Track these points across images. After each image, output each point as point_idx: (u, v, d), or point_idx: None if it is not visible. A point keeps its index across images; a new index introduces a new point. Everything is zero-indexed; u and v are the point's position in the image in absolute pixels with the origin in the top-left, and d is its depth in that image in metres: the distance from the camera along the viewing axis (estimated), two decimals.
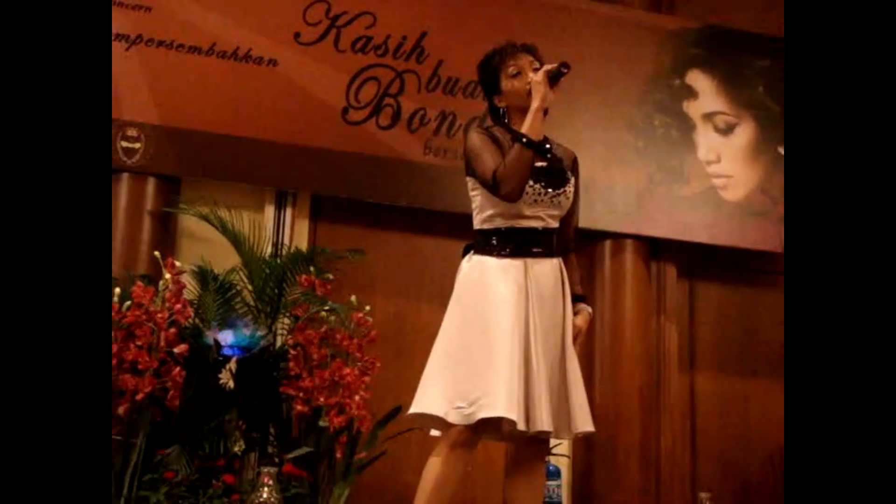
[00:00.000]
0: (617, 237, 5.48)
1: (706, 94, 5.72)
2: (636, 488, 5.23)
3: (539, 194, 2.86)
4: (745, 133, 5.74)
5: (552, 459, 4.67)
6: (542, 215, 2.89)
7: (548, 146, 2.96)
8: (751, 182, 5.68)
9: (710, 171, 5.65)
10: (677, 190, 5.56)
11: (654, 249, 5.63)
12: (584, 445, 5.26)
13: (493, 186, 2.80)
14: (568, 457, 5.23)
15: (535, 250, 2.87)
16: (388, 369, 4.45)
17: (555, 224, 2.93)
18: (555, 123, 3.13)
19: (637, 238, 5.50)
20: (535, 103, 2.82)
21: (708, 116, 5.71)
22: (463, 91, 5.15)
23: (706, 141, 5.68)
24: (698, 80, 5.72)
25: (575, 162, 3.06)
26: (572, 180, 2.99)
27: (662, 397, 5.57)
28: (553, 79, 2.82)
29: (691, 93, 5.70)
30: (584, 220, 5.02)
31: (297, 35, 4.98)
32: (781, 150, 5.75)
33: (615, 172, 5.43)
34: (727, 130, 5.73)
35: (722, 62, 5.76)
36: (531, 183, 2.84)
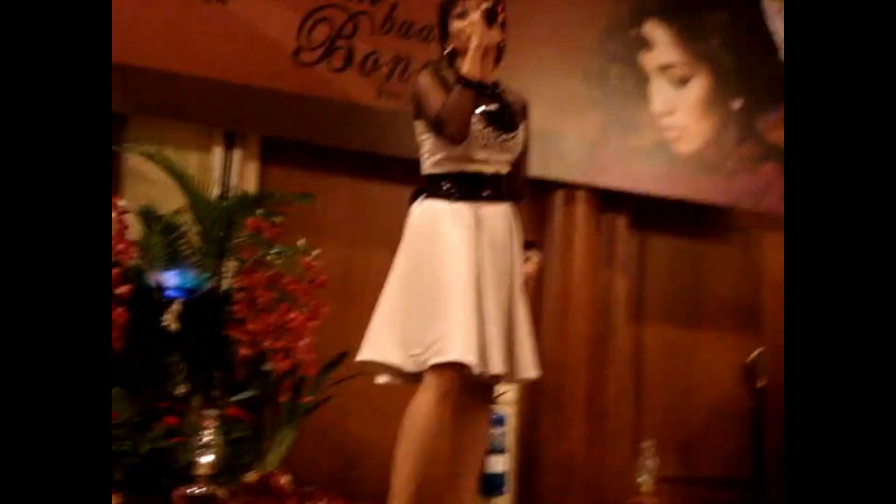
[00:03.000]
0: (568, 188, 5.47)
1: (662, 45, 5.70)
2: (581, 437, 5.29)
3: (489, 139, 2.84)
4: (699, 86, 5.74)
5: (497, 407, 4.69)
6: (492, 160, 2.87)
7: (498, 91, 2.94)
8: (704, 135, 5.69)
9: (664, 124, 5.65)
10: (630, 141, 5.55)
11: (606, 201, 5.62)
12: (530, 394, 5.29)
13: (436, 128, 2.79)
14: (514, 405, 5.26)
15: (485, 194, 2.85)
16: (336, 315, 4.41)
17: (505, 169, 2.91)
18: (509, 72, 3.10)
19: (589, 189, 5.49)
20: (473, 42, 2.79)
21: (663, 68, 5.69)
22: (418, 35, 5.06)
23: (661, 93, 5.66)
24: (655, 31, 5.69)
25: (525, 107, 3.04)
26: (523, 125, 2.96)
27: (609, 348, 5.61)
28: (489, 17, 2.78)
29: (647, 44, 5.67)
30: (536, 170, 4.97)
31: None
32: (736, 105, 5.76)
33: (569, 122, 5.40)
34: (682, 82, 5.72)
35: (679, 13, 5.73)
36: (481, 127, 2.81)
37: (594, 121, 5.48)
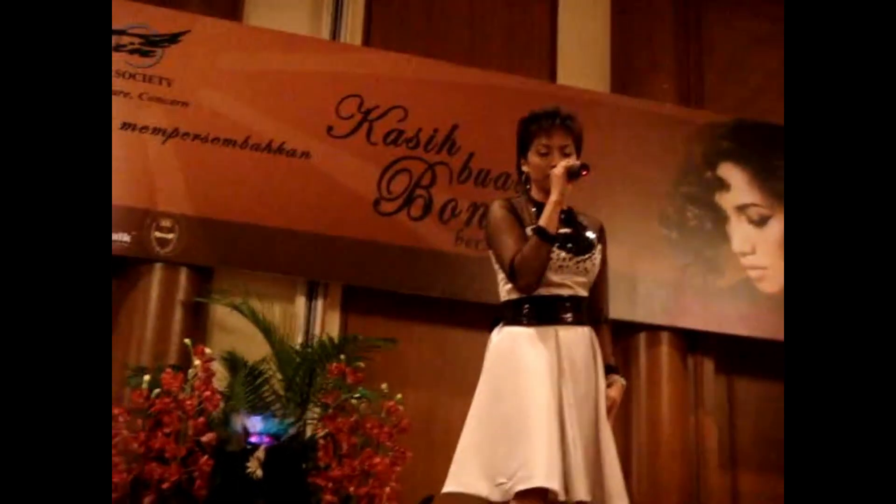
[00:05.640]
0: (652, 329, 5.41)
1: (738, 186, 5.73)
2: None
3: (564, 261, 2.83)
4: (778, 225, 5.70)
5: None
6: (568, 283, 2.85)
7: (573, 215, 2.95)
8: None
9: (746, 263, 5.61)
10: (712, 281, 5.50)
11: (691, 342, 5.54)
12: None
13: (510, 275, 2.81)
14: None
15: (564, 317, 2.82)
16: (419, 461, 4.36)
17: (583, 292, 2.89)
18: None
19: (672, 330, 5.42)
20: (553, 197, 2.80)
21: (741, 208, 5.70)
22: (494, 182, 5.17)
23: (740, 232, 5.66)
24: (730, 172, 5.73)
25: (602, 230, 3.03)
26: (598, 247, 2.96)
27: (703, 496, 5.39)
28: (572, 176, 2.82)
29: (723, 185, 5.70)
30: (619, 312, 4.97)
31: (329, 128, 5.07)
32: None
33: (649, 264, 5.40)
34: (761, 222, 5.70)
35: (753, 155, 5.78)
36: (555, 249, 2.81)
37: (674, 262, 5.47)
